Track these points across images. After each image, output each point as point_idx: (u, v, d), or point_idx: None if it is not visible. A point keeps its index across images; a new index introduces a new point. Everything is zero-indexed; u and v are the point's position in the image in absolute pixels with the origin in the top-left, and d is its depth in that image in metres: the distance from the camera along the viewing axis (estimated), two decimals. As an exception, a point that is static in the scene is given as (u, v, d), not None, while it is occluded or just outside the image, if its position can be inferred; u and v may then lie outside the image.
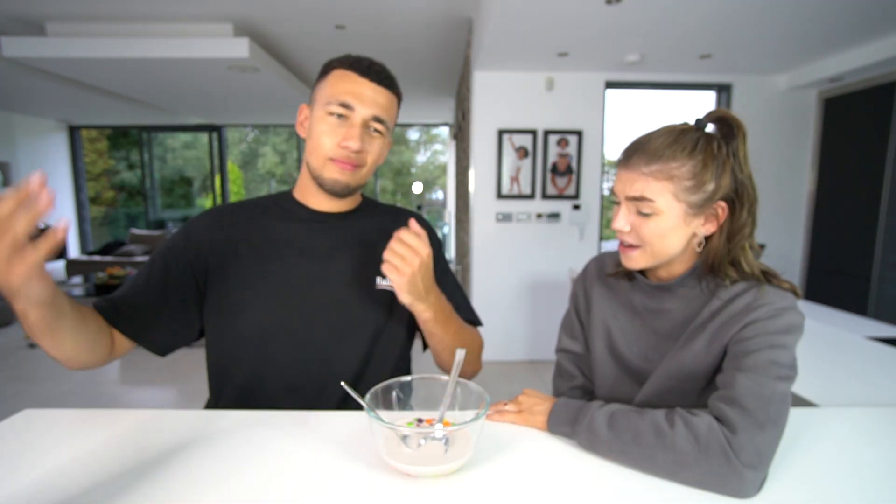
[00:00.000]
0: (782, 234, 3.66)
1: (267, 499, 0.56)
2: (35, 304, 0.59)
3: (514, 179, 3.44)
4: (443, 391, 0.69)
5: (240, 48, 3.14)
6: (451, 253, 6.63)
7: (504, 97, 3.36)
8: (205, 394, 0.90)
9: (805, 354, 1.14)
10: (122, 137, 7.80)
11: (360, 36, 3.43)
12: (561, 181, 3.45)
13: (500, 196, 3.45)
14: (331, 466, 0.63)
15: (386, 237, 0.75)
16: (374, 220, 0.94)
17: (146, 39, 3.13)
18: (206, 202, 7.71)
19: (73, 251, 6.84)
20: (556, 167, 3.44)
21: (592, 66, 3.21)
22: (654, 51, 2.90)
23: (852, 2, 2.21)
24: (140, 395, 3.05)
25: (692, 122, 0.72)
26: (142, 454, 0.66)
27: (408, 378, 0.73)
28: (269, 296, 0.83)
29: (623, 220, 0.72)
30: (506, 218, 3.47)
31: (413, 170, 9.16)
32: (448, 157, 7.50)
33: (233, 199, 7.32)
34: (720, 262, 0.71)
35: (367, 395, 0.66)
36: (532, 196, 3.46)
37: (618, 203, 0.73)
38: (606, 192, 3.55)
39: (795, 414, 0.78)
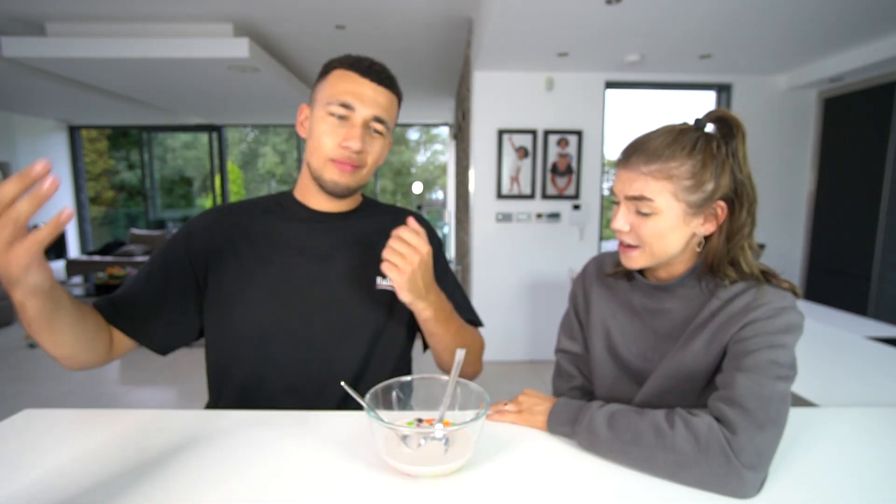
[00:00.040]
0: (782, 234, 3.66)
1: (267, 499, 0.56)
2: (33, 293, 0.58)
3: (514, 179, 3.44)
4: (443, 391, 0.69)
5: (240, 48, 3.14)
6: (451, 253, 6.63)
7: (504, 97, 3.36)
8: (205, 394, 0.90)
9: (805, 354, 1.14)
10: (122, 137, 7.80)
11: (360, 36, 3.43)
12: (561, 181, 3.45)
13: (500, 196, 3.45)
14: (331, 466, 0.63)
15: (386, 237, 0.75)
16: (375, 220, 0.94)
17: (146, 39, 3.13)
18: (206, 202, 7.71)
19: (73, 251, 6.84)
20: (556, 167, 3.44)
21: (592, 66, 3.21)
22: (654, 51, 2.90)
23: (852, 2, 2.21)
24: (140, 395, 3.06)
25: (691, 122, 0.72)
26: (142, 454, 0.66)
27: (408, 378, 0.73)
28: (269, 295, 0.83)
29: (622, 219, 0.72)
30: (506, 218, 3.47)
31: (413, 170, 9.16)
32: (448, 157, 7.50)
33: (233, 199, 7.32)
34: (719, 261, 0.71)
35: (367, 395, 0.66)
36: (532, 196, 3.46)
37: (617, 203, 0.73)
38: (606, 192, 3.55)
39: (795, 414, 0.78)
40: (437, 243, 0.99)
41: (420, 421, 0.70)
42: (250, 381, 0.83)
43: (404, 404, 0.74)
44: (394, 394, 0.72)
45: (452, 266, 4.00)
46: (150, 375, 3.32)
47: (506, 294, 3.56)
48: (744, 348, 0.64)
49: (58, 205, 0.47)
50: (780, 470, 0.63)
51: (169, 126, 6.88)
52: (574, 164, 3.43)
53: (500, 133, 3.38)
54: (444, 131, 7.89)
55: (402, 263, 0.72)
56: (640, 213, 0.70)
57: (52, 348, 0.68)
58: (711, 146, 0.68)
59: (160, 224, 7.46)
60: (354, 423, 0.75)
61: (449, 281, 0.97)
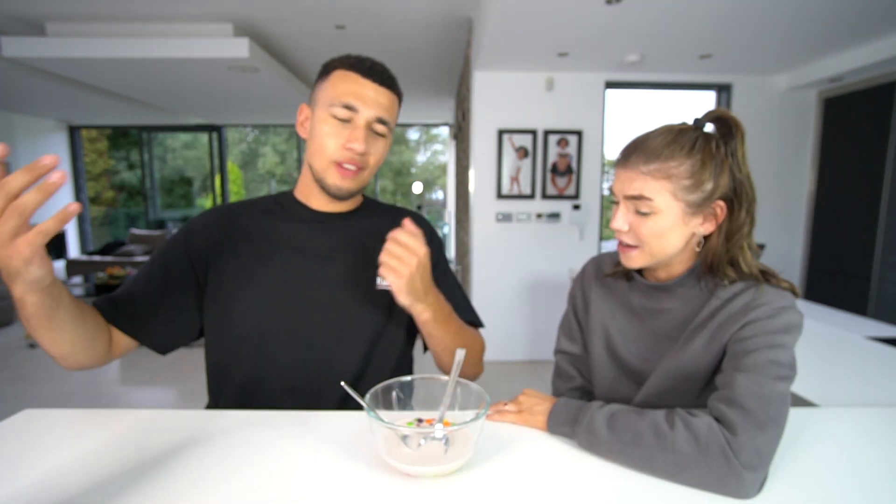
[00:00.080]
0: (782, 234, 3.66)
1: (267, 499, 0.56)
2: (34, 288, 0.58)
3: (514, 179, 3.44)
4: (443, 391, 0.69)
5: (240, 48, 3.14)
6: (451, 253, 6.63)
7: (504, 97, 3.36)
8: (205, 394, 0.90)
9: (805, 354, 1.14)
10: (122, 137, 7.80)
11: (360, 36, 3.43)
12: (561, 181, 3.45)
13: (500, 196, 3.45)
14: (331, 466, 0.63)
15: (386, 237, 0.75)
16: (375, 220, 0.94)
17: (146, 39, 3.13)
18: (206, 202, 7.71)
19: (73, 251, 6.84)
20: (556, 167, 3.44)
21: (592, 66, 3.21)
22: (654, 51, 2.90)
23: (852, 2, 2.21)
24: (140, 395, 3.05)
25: (691, 122, 0.72)
26: (142, 454, 0.66)
27: (408, 378, 0.73)
28: (270, 295, 0.83)
29: (621, 219, 0.72)
30: (506, 218, 3.47)
31: (413, 170, 9.16)
32: (448, 157, 7.50)
33: (233, 199, 7.32)
34: (719, 261, 0.71)
35: (367, 395, 0.66)
36: (532, 196, 3.46)
37: (617, 203, 0.73)
38: (606, 193, 3.55)
39: (795, 414, 0.78)
40: (437, 243, 0.99)
41: (420, 421, 0.70)
42: (250, 380, 0.83)
43: (404, 404, 0.74)
44: (394, 394, 0.72)
45: (452, 266, 4.00)
46: (150, 375, 3.32)
47: (506, 294, 3.56)
48: (743, 348, 0.64)
49: (58, 205, 0.46)
50: (780, 470, 0.63)
51: (169, 126, 6.88)
52: (574, 164, 3.43)
53: (500, 133, 3.38)
54: (444, 131, 7.89)
55: (400, 266, 0.71)
56: (639, 213, 0.70)
57: (50, 347, 0.68)
58: (710, 146, 0.68)
59: (160, 224, 7.46)
60: (354, 423, 0.75)
61: (449, 281, 0.97)
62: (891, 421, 0.79)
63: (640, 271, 0.80)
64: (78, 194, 6.97)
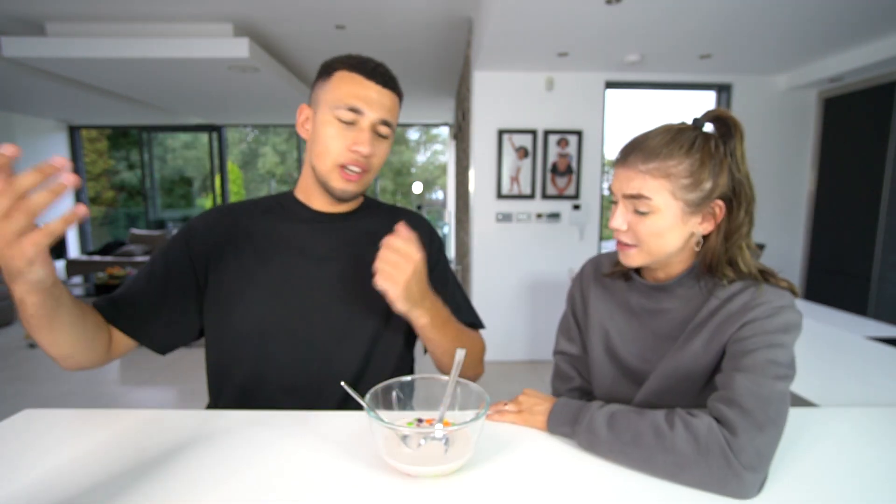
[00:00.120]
0: (782, 234, 3.66)
1: (267, 499, 0.56)
2: (35, 289, 0.58)
3: (514, 179, 3.44)
4: (443, 391, 0.69)
5: (240, 48, 3.14)
6: (451, 253, 6.63)
7: (504, 97, 3.36)
8: (205, 394, 0.90)
9: (805, 354, 1.14)
10: (122, 137, 7.80)
11: (360, 36, 3.43)
12: (561, 181, 3.45)
13: (500, 196, 3.45)
14: (331, 466, 0.63)
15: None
16: (376, 220, 0.94)
17: (146, 39, 3.13)
18: (206, 202, 7.71)
19: (73, 251, 6.84)
20: (556, 167, 3.44)
21: (592, 66, 3.21)
22: (654, 51, 2.90)
23: (852, 2, 2.21)
24: (140, 395, 3.05)
25: (690, 122, 0.72)
26: (142, 454, 0.66)
27: (408, 378, 0.73)
28: (270, 295, 0.83)
29: (620, 218, 0.72)
30: (506, 218, 3.47)
31: (413, 170, 9.17)
32: (448, 157, 7.50)
33: (233, 199, 7.32)
34: (718, 261, 0.71)
35: (367, 395, 0.66)
36: (532, 196, 3.46)
37: (616, 202, 0.73)
38: (606, 193, 3.55)
39: (795, 414, 0.77)
40: (437, 243, 0.99)
41: (420, 421, 0.70)
42: (250, 380, 0.83)
43: (404, 404, 0.74)
44: (394, 394, 0.72)
45: (452, 266, 4.01)
46: (150, 375, 3.32)
47: (506, 294, 3.56)
48: (742, 348, 0.64)
49: (59, 207, 0.47)
50: (780, 470, 0.63)
51: (169, 126, 6.87)
52: (574, 164, 3.43)
53: (500, 133, 3.38)
54: (444, 131, 7.89)
55: (396, 273, 0.71)
56: (637, 212, 0.70)
57: (50, 347, 0.68)
58: (709, 145, 0.68)
59: (160, 224, 7.46)
60: (354, 423, 0.75)
61: (450, 282, 0.96)
62: (891, 421, 0.79)
63: (638, 271, 0.80)
64: (78, 194, 6.96)
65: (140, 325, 0.80)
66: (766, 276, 0.70)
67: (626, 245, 0.73)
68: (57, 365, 0.73)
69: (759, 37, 2.67)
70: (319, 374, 0.83)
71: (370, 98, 0.80)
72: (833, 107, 3.43)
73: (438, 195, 8.73)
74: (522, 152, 3.41)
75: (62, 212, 0.50)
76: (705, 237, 0.72)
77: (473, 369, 0.93)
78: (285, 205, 0.91)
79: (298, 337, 0.83)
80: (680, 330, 0.74)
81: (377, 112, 0.81)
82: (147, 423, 0.75)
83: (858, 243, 3.23)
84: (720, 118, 0.70)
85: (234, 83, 3.98)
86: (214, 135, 6.79)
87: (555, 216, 3.48)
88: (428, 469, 0.60)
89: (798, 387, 1.14)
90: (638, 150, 0.69)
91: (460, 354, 0.70)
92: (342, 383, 0.67)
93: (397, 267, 0.71)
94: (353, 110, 0.80)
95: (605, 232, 3.78)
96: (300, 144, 7.36)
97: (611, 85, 3.44)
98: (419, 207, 8.03)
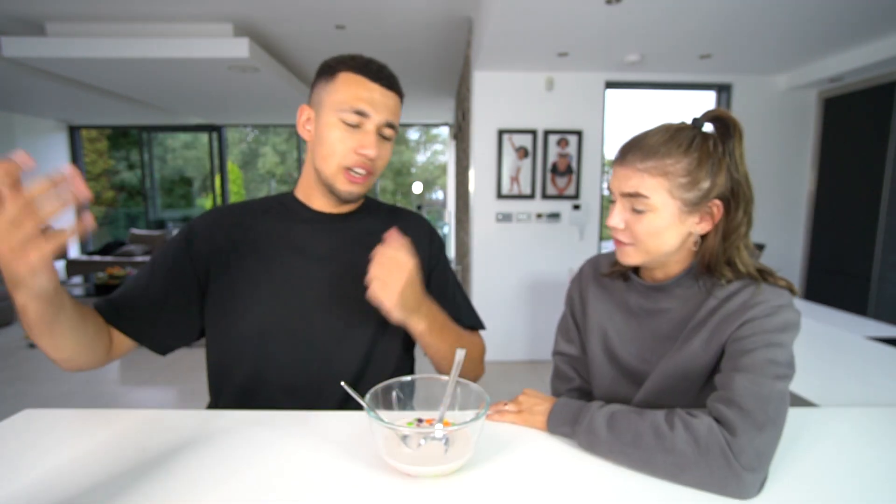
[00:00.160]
0: (782, 234, 3.66)
1: (267, 499, 0.56)
2: (37, 297, 0.58)
3: (514, 179, 3.44)
4: (443, 391, 0.69)
5: (240, 48, 3.14)
6: (451, 253, 6.63)
7: (504, 97, 3.36)
8: (205, 394, 0.90)
9: (805, 354, 1.14)
10: (122, 137, 7.80)
11: (360, 36, 3.43)
12: (561, 181, 3.45)
13: (500, 196, 3.45)
14: (331, 466, 0.63)
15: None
16: (376, 220, 0.94)
17: (146, 39, 3.13)
18: (206, 202, 7.71)
19: (73, 251, 6.83)
20: (556, 167, 3.44)
21: (592, 66, 3.21)
22: (654, 51, 2.90)
23: (852, 2, 2.21)
24: (140, 395, 3.05)
25: (689, 122, 0.72)
26: (142, 454, 0.66)
27: (408, 378, 0.73)
28: (270, 296, 0.83)
29: (618, 216, 0.72)
30: (506, 218, 3.47)
31: (413, 170, 9.17)
32: (448, 157, 7.50)
33: (233, 199, 7.32)
34: (716, 261, 0.71)
35: (367, 395, 0.66)
36: (532, 196, 3.46)
37: (614, 201, 0.73)
38: (606, 192, 3.54)
39: (795, 414, 0.78)
40: (438, 244, 0.99)
41: (420, 421, 0.70)
42: (250, 381, 0.83)
43: (404, 404, 0.74)
44: (394, 394, 0.72)
45: (452, 266, 4.01)
46: (150, 375, 3.32)
47: (506, 294, 3.56)
48: (741, 347, 0.64)
49: (63, 215, 0.47)
50: (780, 470, 0.63)
51: (169, 126, 6.87)
52: (574, 164, 3.44)
53: (500, 133, 3.38)
54: (444, 131, 7.89)
55: (390, 283, 0.70)
56: (635, 211, 0.70)
57: (52, 352, 0.68)
58: (708, 144, 0.68)
59: (160, 224, 7.46)
60: (354, 423, 0.75)
61: (450, 283, 0.96)
62: (891, 421, 0.79)
63: (637, 272, 0.80)
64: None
65: (140, 326, 0.80)
66: (764, 275, 0.70)
67: (624, 243, 0.73)
68: (57, 366, 0.73)
69: (759, 37, 2.67)
70: (319, 375, 0.83)
71: (375, 100, 0.80)
72: (833, 107, 3.43)
73: (438, 195, 8.73)
74: (522, 152, 3.41)
75: (68, 221, 0.50)
76: (703, 237, 0.72)
77: (473, 371, 0.93)
78: (286, 205, 0.91)
79: (299, 337, 0.83)
80: (679, 330, 0.74)
81: (382, 114, 0.81)
82: (147, 423, 0.75)
83: (858, 243, 3.23)
84: (719, 118, 0.70)
85: (234, 83, 3.98)
86: (214, 135, 6.79)
87: (555, 216, 3.48)
88: (428, 469, 0.60)
89: (798, 387, 1.14)
90: (636, 149, 0.69)
91: (460, 355, 0.70)
92: (342, 383, 0.67)
93: (390, 277, 0.70)
94: (359, 113, 0.79)
95: (605, 232, 3.78)
96: (300, 144, 7.36)
97: (611, 85, 3.44)
98: (419, 207, 8.02)
